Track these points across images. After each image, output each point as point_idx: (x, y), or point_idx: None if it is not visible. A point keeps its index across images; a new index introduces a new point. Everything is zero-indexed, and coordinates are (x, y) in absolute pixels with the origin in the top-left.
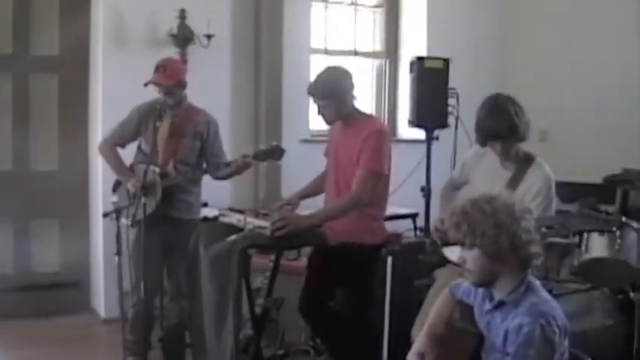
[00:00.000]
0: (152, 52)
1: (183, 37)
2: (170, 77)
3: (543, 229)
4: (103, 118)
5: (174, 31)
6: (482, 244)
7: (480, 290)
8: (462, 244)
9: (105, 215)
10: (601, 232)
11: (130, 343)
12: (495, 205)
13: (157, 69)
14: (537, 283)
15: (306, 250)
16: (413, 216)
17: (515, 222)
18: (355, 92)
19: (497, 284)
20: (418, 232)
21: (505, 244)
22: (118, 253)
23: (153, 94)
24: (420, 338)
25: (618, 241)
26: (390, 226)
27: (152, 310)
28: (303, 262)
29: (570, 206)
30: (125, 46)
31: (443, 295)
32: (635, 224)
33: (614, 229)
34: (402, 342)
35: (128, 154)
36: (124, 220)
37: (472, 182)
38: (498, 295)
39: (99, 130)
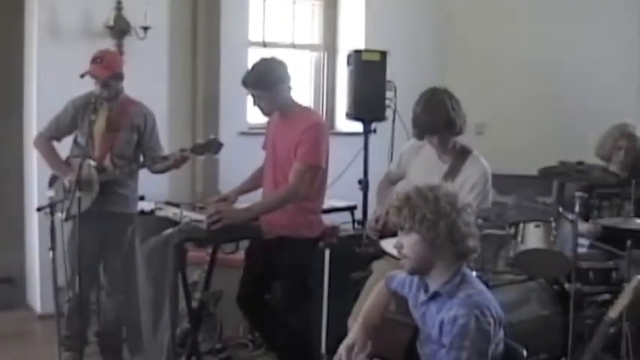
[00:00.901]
0: (88, 44)
1: (120, 29)
2: (107, 69)
3: (480, 221)
4: (38, 111)
5: (111, 23)
6: (421, 228)
7: (415, 281)
8: (402, 229)
9: (39, 209)
10: (538, 223)
11: (66, 339)
12: (438, 194)
13: (94, 60)
14: (472, 274)
15: (245, 244)
16: (351, 209)
17: (455, 211)
18: (291, 84)
19: (432, 273)
20: (356, 225)
21: (443, 231)
22: (53, 248)
23: (89, 86)
24: (353, 330)
25: (554, 232)
26: (329, 219)
27: (88, 305)
28: (242, 255)
29: (508, 198)
30: (60, 37)
31: (378, 287)
32: (570, 216)
33: (552, 219)
34: (339, 334)
35: (65, 147)
36: (59, 215)
37: (409, 175)
38: (433, 285)
39: (34, 123)
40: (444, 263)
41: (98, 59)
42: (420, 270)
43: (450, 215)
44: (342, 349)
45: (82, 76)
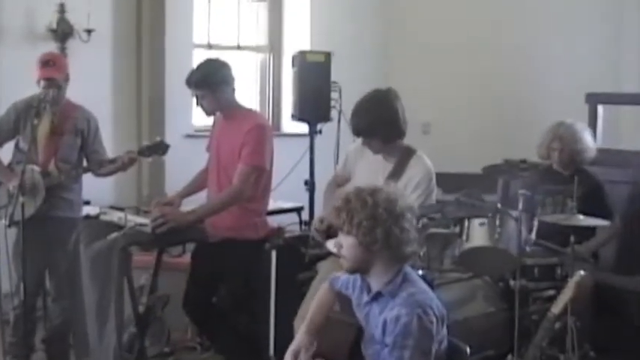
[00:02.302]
0: (31, 47)
1: (63, 32)
2: (60, 71)
3: (425, 220)
4: None
5: (54, 26)
6: (358, 233)
7: (359, 282)
8: (341, 230)
9: None
10: (482, 221)
11: (11, 346)
12: (377, 198)
13: (46, 64)
14: (414, 273)
15: (192, 246)
16: (298, 210)
17: (392, 218)
18: (235, 85)
19: (373, 274)
20: (303, 226)
21: (379, 237)
22: None
23: (32, 89)
24: (299, 335)
25: (498, 230)
26: (276, 221)
27: (34, 311)
28: (188, 258)
29: (453, 196)
30: (2, 40)
31: (322, 289)
32: (514, 213)
33: (490, 215)
34: (287, 335)
35: (6, 153)
36: (2, 222)
37: (355, 175)
38: (375, 286)
39: None
40: (382, 265)
41: (50, 62)
42: (359, 270)
43: (385, 222)
44: (288, 354)
45: (45, 80)
